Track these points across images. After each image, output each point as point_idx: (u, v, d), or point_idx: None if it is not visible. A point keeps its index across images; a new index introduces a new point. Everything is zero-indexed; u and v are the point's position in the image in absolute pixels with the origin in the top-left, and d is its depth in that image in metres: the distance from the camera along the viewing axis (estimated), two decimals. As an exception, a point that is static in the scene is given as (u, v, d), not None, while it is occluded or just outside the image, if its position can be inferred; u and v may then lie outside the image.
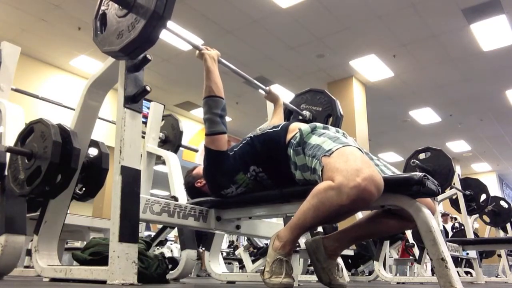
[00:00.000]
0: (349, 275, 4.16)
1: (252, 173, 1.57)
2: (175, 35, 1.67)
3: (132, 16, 1.33)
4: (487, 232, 5.84)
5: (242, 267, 5.42)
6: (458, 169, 11.36)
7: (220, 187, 1.63)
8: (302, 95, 2.45)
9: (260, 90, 2.22)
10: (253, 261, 4.07)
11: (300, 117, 2.34)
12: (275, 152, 1.50)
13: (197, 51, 1.73)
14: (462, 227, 5.36)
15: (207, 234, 2.51)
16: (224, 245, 8.29)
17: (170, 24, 1.37)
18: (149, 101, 3.38)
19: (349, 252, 3.81)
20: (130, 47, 1.33)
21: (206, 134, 1.61)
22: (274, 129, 1.56)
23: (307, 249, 1.41)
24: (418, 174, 1.13)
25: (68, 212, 1.86)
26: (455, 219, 7.75)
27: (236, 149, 1.61)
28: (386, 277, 3.90)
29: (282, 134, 1.51)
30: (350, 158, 1.18)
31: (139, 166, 1.50)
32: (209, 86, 1.63)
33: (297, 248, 2.20)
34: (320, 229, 2.89)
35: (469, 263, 5.52)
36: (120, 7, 1.37)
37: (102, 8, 1.48)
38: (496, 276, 6.69)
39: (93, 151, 2.14)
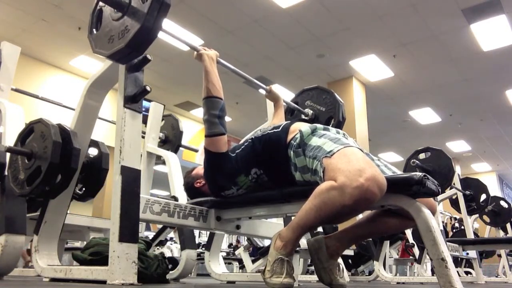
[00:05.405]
0: (349, 275, 4.16)
1: (254, 175, 1.57)
2: (173, 37, 1.66)
3: (125, 22, 1.29)
4: (487, 232, 5.84)
5: (242, 267, 5.42)
6: (458, 169, 11.35)
7: (221, 188, 1.63)
8: (309, 91, 2.42)
9: (261, 90, 2.20)
10: (253, 261, 4.07)
11: (302, 116, 2.33)
12: (276, 153, 1.50)
13: (195, 52, 1.71)
14: (462, 227, 5.36)
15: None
16: (224, 245, 8.30)
17: (168, 25, 1.36)
18: (149, 101, 3.37)
19: (349, 252, 3.80)
20: (119, 54, 1.32)
21: (205, 135, 1.60)
22: (275, 130, 1.56)
23: (309, 249, 1.40)
24: (418, 174, 1.13)
25: (68, 212, 1.86)
26: (455, 219, 7.75)
27: (238, 150, 1.61)
28: (386, 277, 3.90)
29: (283, 135, 1.50)
30: (352, 158, 1.18)
31: (139, 166, 1.50)
32: (207, 87, 1.61)
33: (297, 248, 2.20)
34: (320, 229, 2.88)
35: (469, 263, 5.52)
36: (115, 10, 1.34)
37: (100, 4, 1.44)
38: (496, 276, 6.69)
39: (93, 151, 2.14)
